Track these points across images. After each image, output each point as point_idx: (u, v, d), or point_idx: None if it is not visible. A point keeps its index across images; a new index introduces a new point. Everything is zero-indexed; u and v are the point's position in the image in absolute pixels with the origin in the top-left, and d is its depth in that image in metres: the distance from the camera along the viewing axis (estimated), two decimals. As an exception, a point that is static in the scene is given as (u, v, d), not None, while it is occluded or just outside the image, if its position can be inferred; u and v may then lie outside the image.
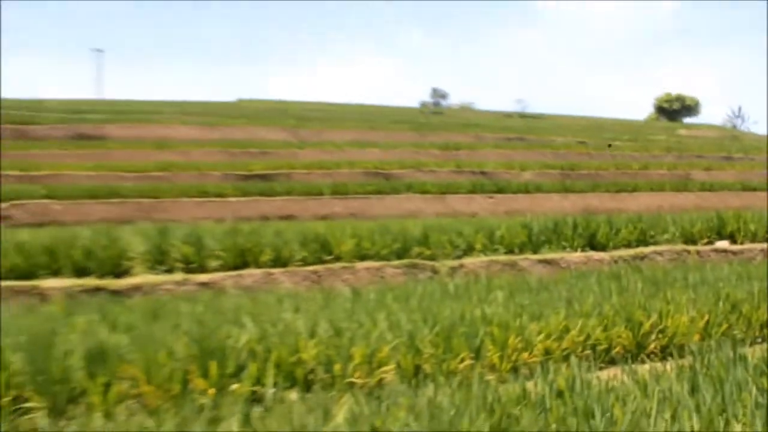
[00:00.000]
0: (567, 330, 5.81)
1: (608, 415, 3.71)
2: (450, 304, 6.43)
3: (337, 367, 4.80)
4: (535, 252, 11.68)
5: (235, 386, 4.47)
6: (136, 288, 8.81)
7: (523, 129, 38.94)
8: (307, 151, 27.32)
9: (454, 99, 79.81)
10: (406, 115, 43.31)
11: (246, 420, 3.81)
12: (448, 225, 12.19)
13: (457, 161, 26.59)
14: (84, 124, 30.09)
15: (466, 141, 32.24)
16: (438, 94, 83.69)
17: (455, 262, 10.64)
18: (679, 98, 76.20)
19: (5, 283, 8.81)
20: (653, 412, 3.71)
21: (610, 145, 23.33)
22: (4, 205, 18.15)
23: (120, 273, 9.35)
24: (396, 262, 10.29)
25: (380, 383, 4.85)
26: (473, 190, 22.29)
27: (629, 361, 5.69)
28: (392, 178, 23.72)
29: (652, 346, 6.10)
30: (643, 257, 11.87)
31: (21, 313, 6.50)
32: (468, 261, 10.75)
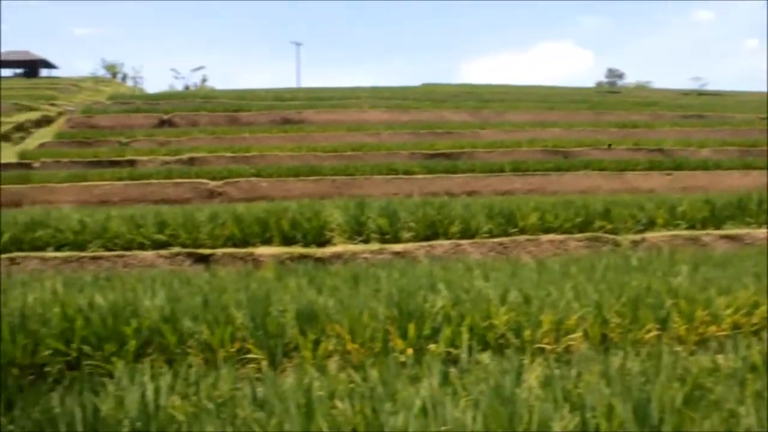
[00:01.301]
0: (756, 305, 5.41)
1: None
2: (635, 276, 6.17)
3: (526, 332, 4.72)
4: (717, 228, 11.01)
5: (431, 347, 4.50)
6: (337, 256, 9.07)
7: (701, 106, 36.62)
8: (489, 131, 27.08)
9: (630, 78, 76.69)
10: (582, 95, 41.91)
11: (445, 379, 3.82)
12: (630, 200, 11.73)
13: (635, 139, 25.49)
14: (287, 110, 31.27)
15: (643, 119, 30.81)
16: (614, 74, 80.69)
17: (637, 236, 10.23)
18: None
19: (225, 250, 9.34)
20: None
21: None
22: (220, 182, 19.22)
23: (322, 242, 9.66)
24: (578, 236, 10.02)
25: (567, 350, 4.73)
26: (651, 167, 21.30)
27: (826, 340, 5.23)
28: (570, 156, 23.11)
29: None
30: (837, 235, 10.89)
31: (239, 276, 6.82)
32: (650, 235, 10.30)
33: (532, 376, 3.92)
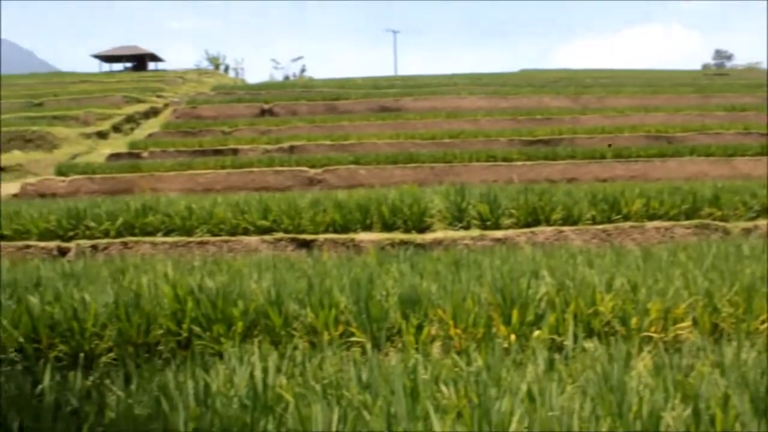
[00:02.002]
0: None
1: None
2: (747, 265, 5.91)
3: (633, 320, 4.60)
4: (838, 215, 10.42)
5: (536, 333, 4.44)
6: (437, 242, 9.06)
7: (821, 87, 34.64)
8: (589, 116, 26.47)
9: (740, 60, 73.46)
10: (688, 78, 40.42)
11: (550, 365, 3.76)
12: (740, 186, 11.25)
13: (745, 123, 24.41)
14: (384, 98, 31.39)
15: (754, 102, 29.41)
16: (722, 55, 77.42)
17: (749, 224, 9.80)
18: None
19: (326, 236, 9.47)
20: None
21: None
22: (319, 170, 19.48)
23: (422, 229, 9.68)
24: (685, 222, 9.69)
25: (676, 339, 4.58)
26: (762, 152, 20.33)
27: None
28: (675, 141, 22.34)
29: None
30: None
31: (341, 261, 6.89)
32: (762, 223, 9.84)
33: (641, 365, 3.82)
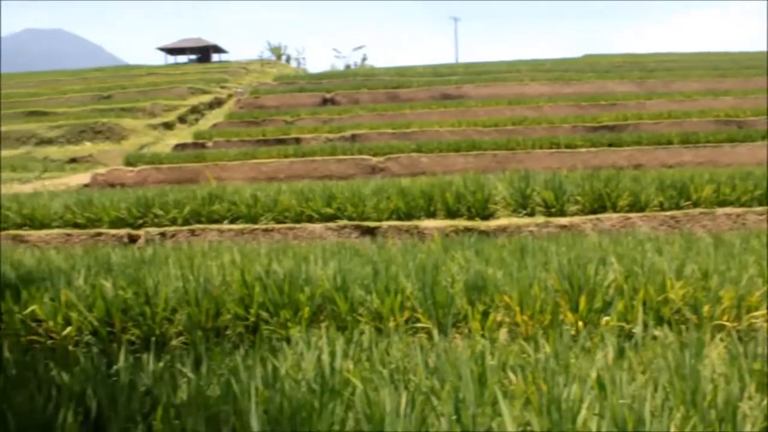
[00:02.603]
0: None
1: None
2: (826, 252, 5.70)
3: (705, 308, 4.48)
4: None
5: (605, 320, 4.36)
6: (502, 229, 9.00)
7: None
8: (655, 101, 25.92)
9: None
10: (756, 60, 39.12)
11: (620, 352, 3.69)
12: (816, 171, 10.86)
13: (820, 106, 23.57)
14: (446, 85, 31.28)
15: (831, 85, 28.39)
16: (795, 38, 74.60)
17: (826, 210, 9.48)
18: None
19: (390, 223, 9.49)
20: None
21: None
22: (381, 158, 19.50)
23: (486, 215, 9.62)
24: (759, 209, 9.40)
25: (750, 328, 4.44)
26: (838, 136, 19.64)
27: None
28: (746, 126, 21.70)
29: None
30: None
31: (406, 248, 6.88)
32: (840, 208, 9.51)
33: (714, 353, 3.72)
